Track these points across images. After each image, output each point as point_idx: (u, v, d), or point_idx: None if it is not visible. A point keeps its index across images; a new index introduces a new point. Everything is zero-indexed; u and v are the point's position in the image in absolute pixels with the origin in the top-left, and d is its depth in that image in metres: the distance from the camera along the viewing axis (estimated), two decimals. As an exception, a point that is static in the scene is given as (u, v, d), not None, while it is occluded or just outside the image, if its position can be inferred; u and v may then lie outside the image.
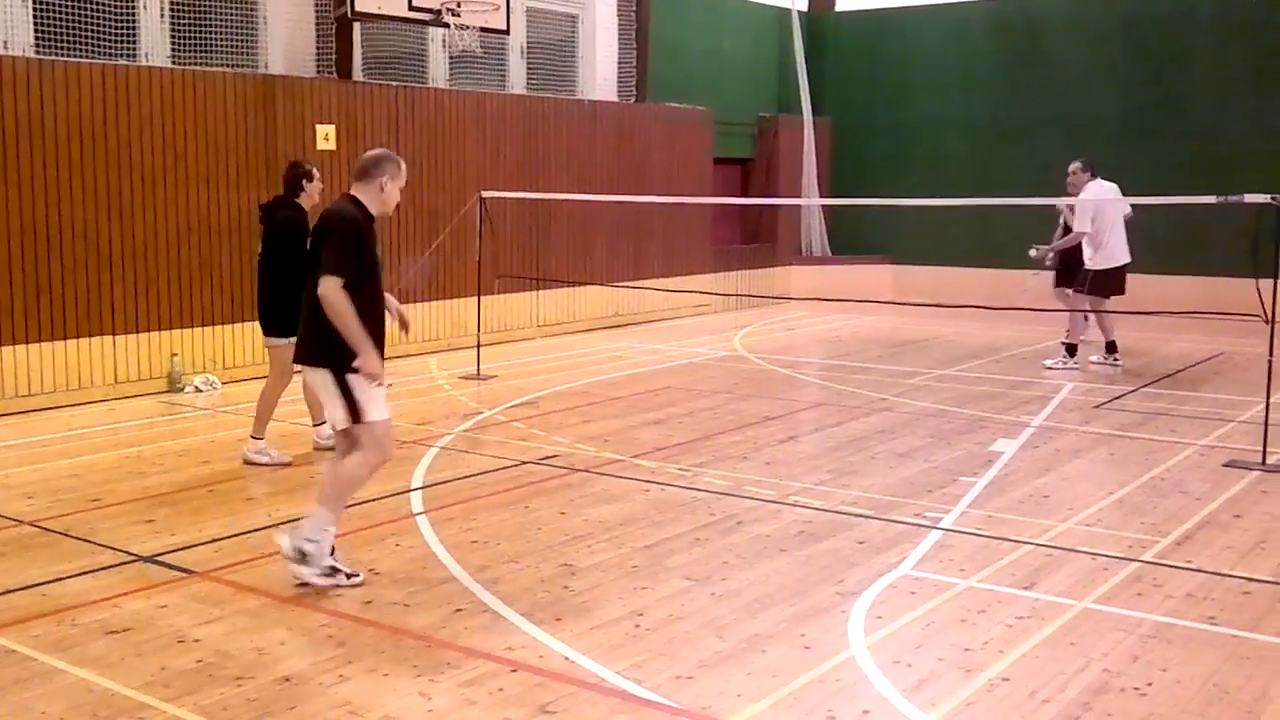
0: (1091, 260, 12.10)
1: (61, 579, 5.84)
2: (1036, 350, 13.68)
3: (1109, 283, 12.18)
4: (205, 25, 11.75)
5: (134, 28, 11.17)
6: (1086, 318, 12.63)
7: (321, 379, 5.68)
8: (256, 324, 8.58)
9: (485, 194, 12.20)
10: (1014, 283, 13.46)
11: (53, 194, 10.23)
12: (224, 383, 11.25)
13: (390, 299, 6.07)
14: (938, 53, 19.15)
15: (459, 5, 12.65)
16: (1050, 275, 13.17)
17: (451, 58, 14.08)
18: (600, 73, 16.39)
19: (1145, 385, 11.50)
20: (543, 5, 15.60)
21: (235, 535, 6.59)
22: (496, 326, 13.93)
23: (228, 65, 11.84)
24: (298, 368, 8.26)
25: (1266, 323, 8.07)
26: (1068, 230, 12.56)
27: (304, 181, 8.22)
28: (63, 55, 10.50)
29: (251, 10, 12.19)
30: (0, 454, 8.65)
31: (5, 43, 10.27)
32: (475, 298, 12.35)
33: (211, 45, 11.78)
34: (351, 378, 5.60)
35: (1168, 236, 15.28)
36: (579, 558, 6.20)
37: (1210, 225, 14.69)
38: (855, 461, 8.38)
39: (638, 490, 7.57)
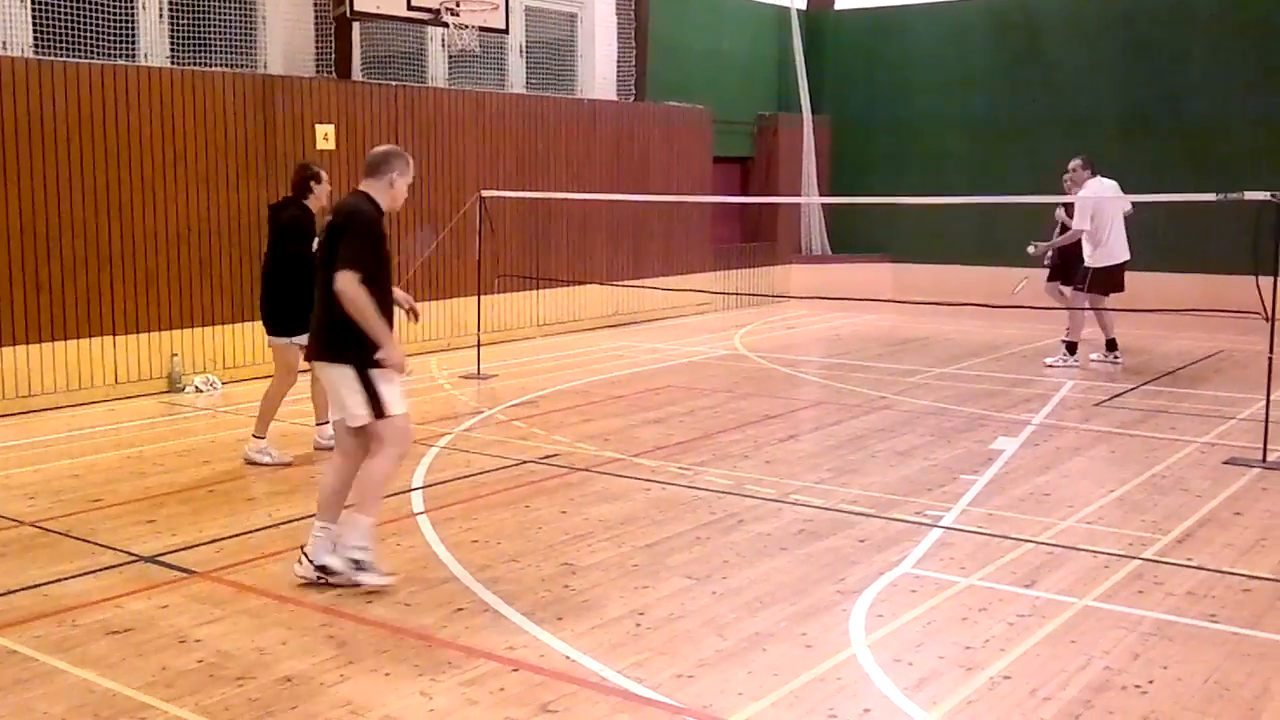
0: (1091, 258, 12.11)
1: (62, 579, 5.84)
2: (1037, 348, 13.68)
3: (1108, 280, 12.19)
4: (204, 25, 11.75)
5: (133, 28, 11.18)
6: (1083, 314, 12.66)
7: (340, 375, 5.65)
8: (256, 324, 8.59)
9: (485, 193, 12.21)
10: (1014, 281, 13.46)
11: (52, 194, 10.23)
12: (224, 383, 11.25)
13: (398, 292, 6.09)
14: (937, 51, 19.14)
15: (458, 5, 12.65)
16: (1041, 279, 13.24)
17: (451, 57, 14.08)
18: (599, 72, 16.39)
19: (1145, 383, 11.50)
20: (542, 4, 15.60)
21: (236, 535, 6.59)
22: (496, 326, 13.93)
23: (227, 65, 11.84)
24: (304, 366, 8.33)
25: (1266, 320, 8.07)
26: (1066, 228, 12.58)
27: (312, 183, 8.24)
28: (62, 55, 10.50)
29: (250, 10, 12.19)
30: (1, 454, 8.66)
31: (4, 43, 10.27)
32: (475, 297, 12.35)
33: (211, 45, 11.79)
34: (374, 372, 5.60)
35: (1168, 234, 15.30)
36: (580, 557, 6.20)
37: (1210, 222, 14.70)
38: (856, 460, 8.38)
39: (638, 489, 7.58)
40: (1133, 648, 4.97)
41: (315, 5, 12.57)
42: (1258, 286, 7.94)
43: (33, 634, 5.13)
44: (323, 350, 5.76)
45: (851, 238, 19.84)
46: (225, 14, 11.94)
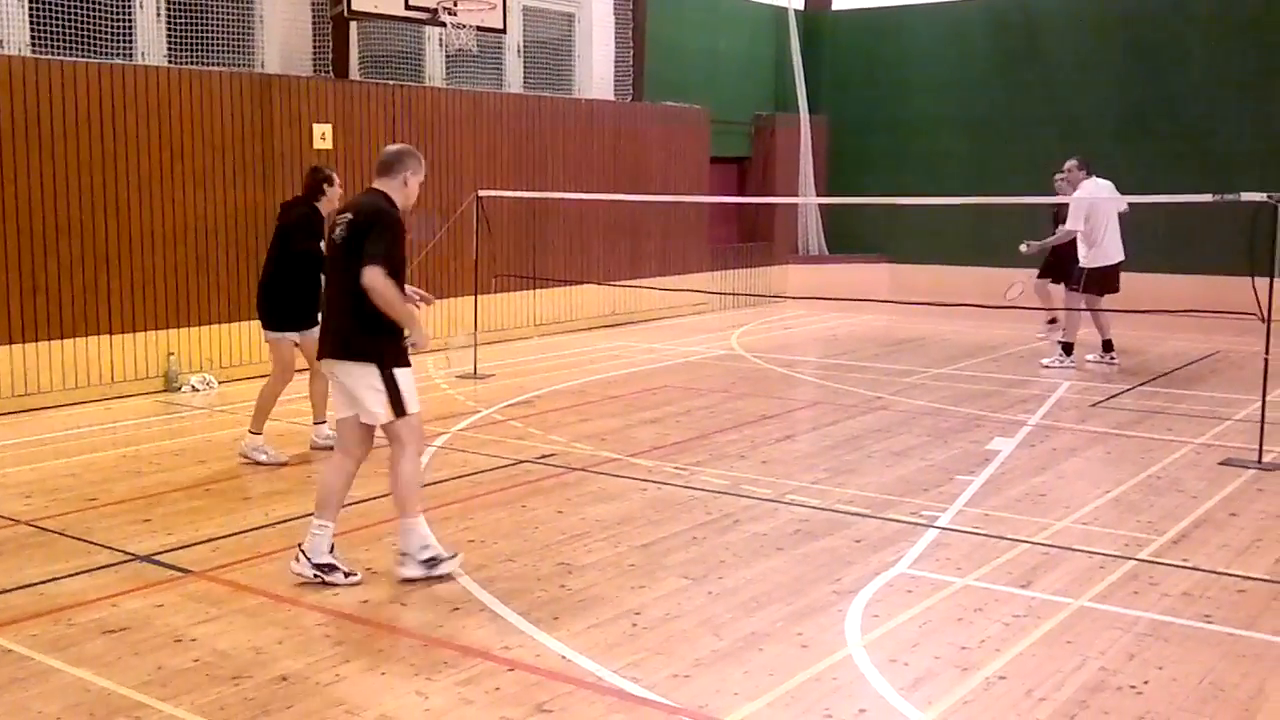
0: (1086, 258, 12.13)
1: (58, 578, 5.84)
2: (1033, 349, 13.69)
3: (1103, 281, 12.21)
4: (201, 24, 11.74)
5: (130, 27, 11.17)
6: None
7: (362, 374, 5.70)
8: (253, 323, 8.60)
9: (482, 193, 12.20)
10: (1009, 282, 13.50)
11: (49, 193, 10.22)
12: (221, 382, 11.24)
13: (409, 288, 6.15)
14: (934, 51, 19.15)
15: (455, 4, 12.65)
16: (1037, 286, 13.34)
17: (448, 57, 14.07)
18: (597, 72, 16.39)
19: (1141, 384, 11.51)
20: (539, 4, 15.60)
21: (232, 535, 6.59)
22: (493, 326, 13.93)
23: (224, 64, 11.83)
24: (301, 365, 8.34)
25: (1262, 321, 8.08)
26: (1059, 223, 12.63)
27: (325, 186, 8.27)
28: (59, 54, 10.49)
29: (248, 9, 12.18)
30: (-3, 453, 8.66)
31: (2, 42, 10.26)
32: (472, 297, 12.35)
33: (208, 44, 11.78)
34: (398, 371, 5.70)
35: (1164, 235, 15.32)
36: (576, 557, 6.20)
37: (1207, 223, 14.73)
38: (852, 460, 8.38)
39: (635, 489, 7.58)
40: (1128, 648, 4.98)
41: (313, 4, 12.57)
42: (1254, 287, 7.95)
43: (28, 633, 5.13)
44: (342, 349, 5.78)
45: (848, 238, 19.85)
46: (222, 13, 11.92)
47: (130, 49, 11.18)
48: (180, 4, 11.53)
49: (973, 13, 18.83)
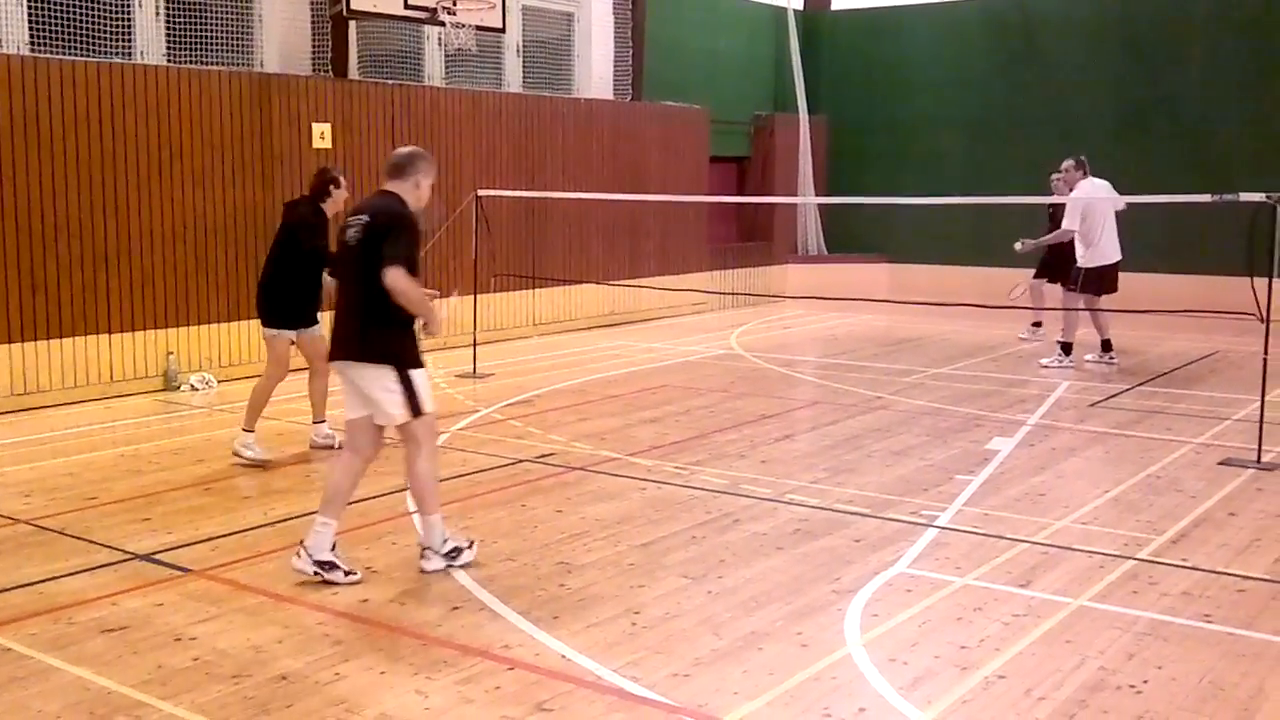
0: (1084, 258, 12.13)
1: (58, 577, 5.84)
2: (1032, 348, 13.70)
3: (1101, 281, 12.22)
4: (200, 23, 11.73)
5: (129, 26, 11.16)
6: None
7: (378, 375, 5.72)
8: (252, 322, 8.60)
9: (481, 192, 12.20)
10: (1010, 282, 13.52)
11: (48, 192, 10.22)
12: (220, 381, 11.24)
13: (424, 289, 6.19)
14: (933, 51, 19.15)
15: (454, 3, 12.65)
16: (1031, 286, 13.36)
17: (447, 56, 14.07)
18: (596, 71, 16.39)
19: (1141, 384, 11.51)
20: (538, 4, 15.59)
21: (232, 533, 6.59)
22: (493, 325, 13.93)
23: (223, 63, 11.83)
24: (297, 363, 8.34)
25: (1261, 321, 8.08)
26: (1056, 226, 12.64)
27: (331, 187, 8.26)
28: (58, 53, 10.48)
29: (247, 8, 12.18)
30: (-4, 452, 8.66)
31: (1, 41, 10.25)
32: (471, 296, 12.35)
33: (207, 43, 11.77)
34: (414, 373, 5.74)
35: (1163, 235, 15.33)
36: (575, 556, 6.20)
37: (1206, 224, 14.74)
38: (851, 460, 8.39)
39: (634, 488, 7.58)
40: (1127, 648, 4.98)
41: (312, 4, 12.56)
42: (1253, 288, 7.95)
43: (28, 632, 5.13)
44: (357, 351, 5.79)
45: (847, 238, 19.85)
46: (221, 12, 11.92)
47: (129, 48, 11.17)
48: (179, 3, 11.52)
49: (971, 13, 18.84)
